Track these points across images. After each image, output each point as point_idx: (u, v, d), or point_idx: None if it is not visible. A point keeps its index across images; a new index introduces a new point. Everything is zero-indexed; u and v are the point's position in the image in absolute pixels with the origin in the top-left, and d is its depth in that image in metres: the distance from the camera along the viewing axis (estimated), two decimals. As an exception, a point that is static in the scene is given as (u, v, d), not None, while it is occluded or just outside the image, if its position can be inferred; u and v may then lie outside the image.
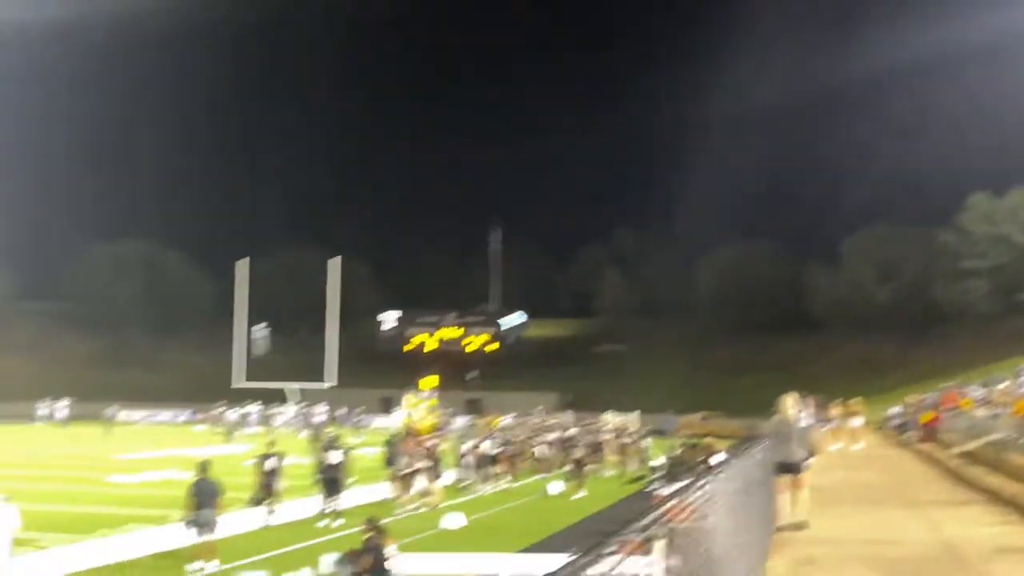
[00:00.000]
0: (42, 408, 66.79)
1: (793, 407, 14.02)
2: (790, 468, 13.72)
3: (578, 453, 30.72)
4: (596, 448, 34.59)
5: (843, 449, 31.77)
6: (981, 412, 27.12)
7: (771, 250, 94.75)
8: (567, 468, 27.37)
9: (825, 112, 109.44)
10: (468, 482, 29.17)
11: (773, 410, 14.02)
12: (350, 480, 23.16)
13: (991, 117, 74.72)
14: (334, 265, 61.24)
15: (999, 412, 24.68)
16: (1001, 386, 33.38)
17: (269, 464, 20.82)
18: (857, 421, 34.81)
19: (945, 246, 78.79)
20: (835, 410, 35.85)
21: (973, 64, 75.09)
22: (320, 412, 58.92)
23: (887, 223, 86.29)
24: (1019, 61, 70.12)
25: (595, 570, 3.46)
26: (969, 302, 77.43)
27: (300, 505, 24.62)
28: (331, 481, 22.06)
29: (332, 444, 23.20)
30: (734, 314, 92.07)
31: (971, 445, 25.45)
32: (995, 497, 17.23)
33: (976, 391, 35.64)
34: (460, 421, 57.13)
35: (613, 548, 3.73)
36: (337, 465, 22.29)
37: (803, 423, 14.35)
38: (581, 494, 28.11)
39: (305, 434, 46.29)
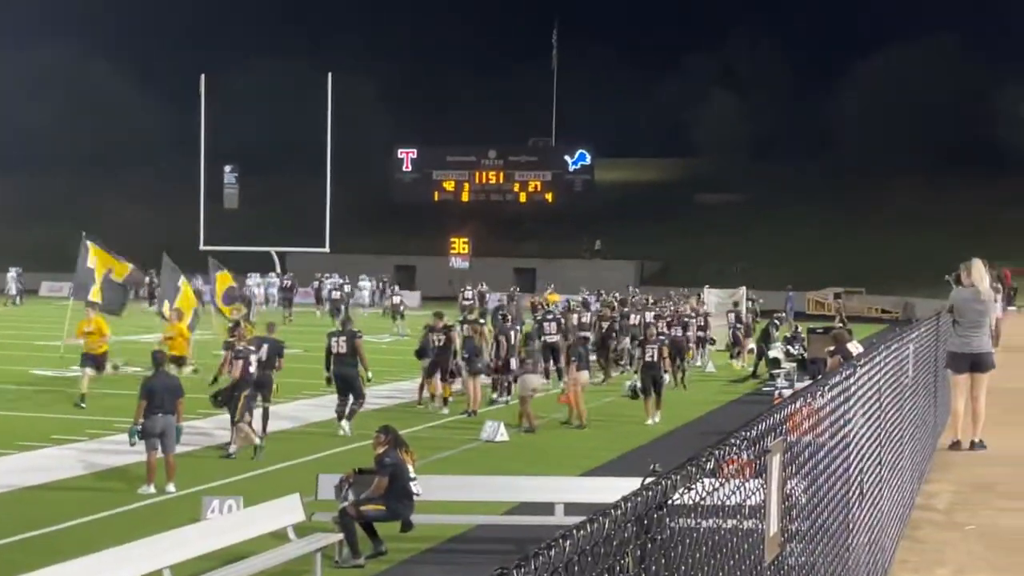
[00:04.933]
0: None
1: (985, 277, 13.83)
2: (978, 364, 13.60)
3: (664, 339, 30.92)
4: (685, 336, 34.89)
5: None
6: None
7: (946, 56, 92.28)
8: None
9: None
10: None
11: (954, 279, 13.87)
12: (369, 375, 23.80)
13: None
14: (329, 83, 61.11)
15: None
16: None
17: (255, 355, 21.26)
18: None
19: None
20: None
21: None
22: (328, 285, 59.33)
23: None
24: None
25: (683, 497, 3.45)
26: None
27: (305, 407, 25.28)
28: (343, 379, 22.84)
29: (344, 323, 24.00)
30: (889, 149, 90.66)
31: None
32: None
33: None
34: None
35: (709, 467, 3.71)
36: (344, 356, 22.81)
37: (996, 303, 14.22)
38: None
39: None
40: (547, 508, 13.88)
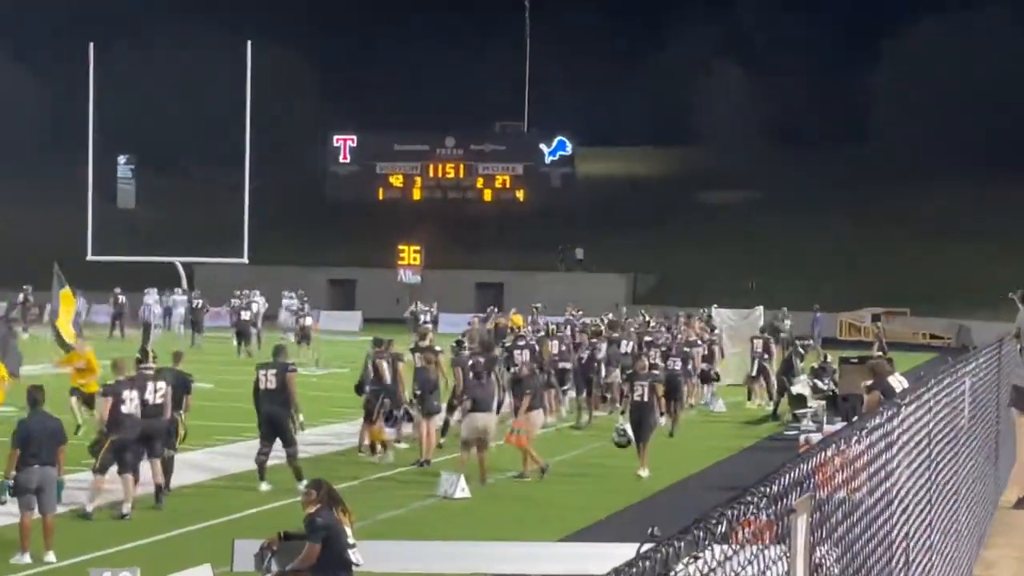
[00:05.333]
0: None
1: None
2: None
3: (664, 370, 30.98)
4: (685, 369, 34.93)
5: None
6: None
7: (1008, 25, 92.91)
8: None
9: None
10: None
11: (1020, 297, 13.96)
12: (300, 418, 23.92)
13: None
14: (249, 53, 61.00)
15: None
16: None
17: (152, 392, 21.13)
18: None
19: None
20: None
21: None
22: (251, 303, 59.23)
23: None
24: None
25: (688, 568, 3.45)
26: None
27: (217, 455, 25.17)
28: (269, 421, 22.83)
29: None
30: (937, 139, 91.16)
31: None
32: None
33: None
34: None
35: (720, 531, 3.71)
36: (273, 392, 22.84)
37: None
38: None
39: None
40: (520, 582, 13.84)
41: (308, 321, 52.41)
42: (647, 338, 37.47)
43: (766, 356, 38.44)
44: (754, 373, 38.61)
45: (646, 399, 25.03)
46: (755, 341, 40.30)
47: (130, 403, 20.03)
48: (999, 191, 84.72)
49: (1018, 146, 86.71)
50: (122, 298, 63.13)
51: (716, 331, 42.97)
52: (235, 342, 52.98)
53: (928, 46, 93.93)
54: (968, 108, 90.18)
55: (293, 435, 22.89)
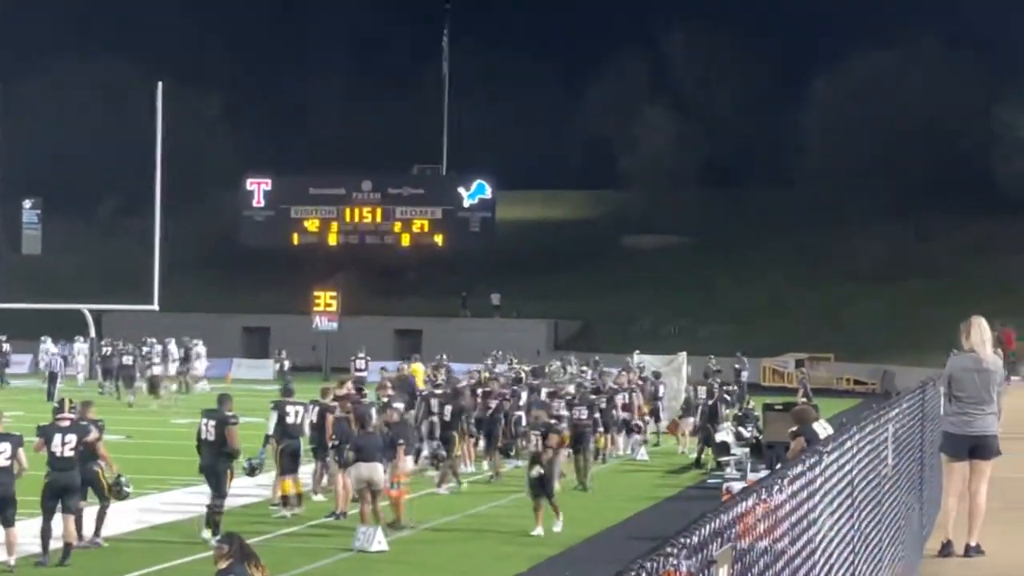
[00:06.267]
0: None
1: (988, 341, 14.05)
2: (980, 449, 13.79)
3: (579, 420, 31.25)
4: (607, 413, 35.06)
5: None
6: None
7: (936, 68, 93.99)
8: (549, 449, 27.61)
9: None
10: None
11: (956, 344, 14.06)
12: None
13: None
14: (160, 93, 60.77)
15: None
16: None
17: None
18: None
19: None
20: None
21: None
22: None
23: None
24: None
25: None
26: None
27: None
28: (207, 472, 23.13)
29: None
30: (861, 182, 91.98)
31: None
32: None
33: None
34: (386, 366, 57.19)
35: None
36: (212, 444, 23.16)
37: (1001, 372, 14.46)
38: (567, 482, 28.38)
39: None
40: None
41: (157, 370, 52.51)
42: (546, 389, 37.23)
43: (709, 402, 38.31)
44: (699, 421, 38.25)
45: (541, 449, 25.05)
46: (699, 388, 40.31)
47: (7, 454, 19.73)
48: (925, 236, 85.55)
49: (946, 191, 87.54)
50: (6, 346, 62.64)
51: (655, 379, 43.02)
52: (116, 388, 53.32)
53: (859, 87, 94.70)
54: (896, 153, 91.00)
55: (225, 487, 23.03)
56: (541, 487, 24.54)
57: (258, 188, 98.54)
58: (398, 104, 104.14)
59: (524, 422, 33.88)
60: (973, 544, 13.61)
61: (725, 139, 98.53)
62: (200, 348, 61.44)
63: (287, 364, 60.89)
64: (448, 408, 31.28)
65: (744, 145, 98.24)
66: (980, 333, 13.99)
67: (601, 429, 35.28)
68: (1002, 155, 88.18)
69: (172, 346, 58.95)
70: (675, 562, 4.06)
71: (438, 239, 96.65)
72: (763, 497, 5.67)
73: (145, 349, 57.98)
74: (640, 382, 41.98)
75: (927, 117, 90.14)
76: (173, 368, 56.62)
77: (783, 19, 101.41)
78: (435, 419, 30.92)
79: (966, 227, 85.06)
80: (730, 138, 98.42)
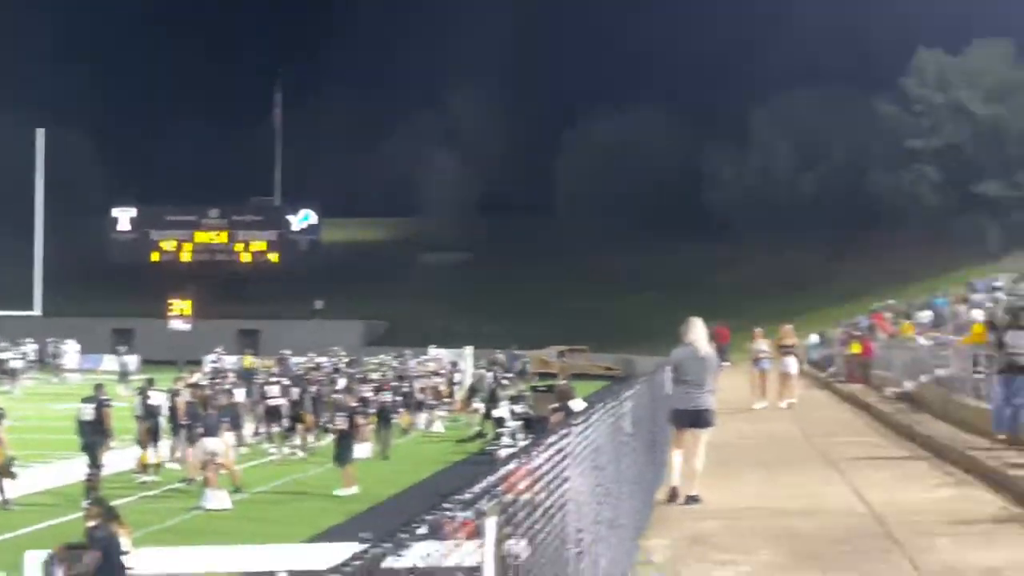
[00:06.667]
0: None
1: (704, 336, 14.41)
2: (699, 420, 14.12)
3: (386, 400, 31.45)
4: (410, 395, 35.30)
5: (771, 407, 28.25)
6: (925, 341, 28.44)
7: (658, 124, 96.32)
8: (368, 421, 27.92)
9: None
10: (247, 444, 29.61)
11: (679, 338, 14.36)
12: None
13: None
14: (41, 139, 59.08)
15: (948, 340, 25.95)
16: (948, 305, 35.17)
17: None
18: (791, 365, 29.95)
19: (885, 119, 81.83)
20: (763, 343, 29.97)
21: None
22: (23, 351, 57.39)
23: (808, 89, 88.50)
24: None
25: (399, 561, 3.43)
26: (914, 195, 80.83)
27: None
28: (86, 446, 23.45)
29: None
30: (610, 211, 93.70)
31: (911, 384, 26.82)
32: (940, 452, 18.21)
33: (922, 312, 37.44)
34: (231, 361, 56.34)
35: (425, 531, 3.71)
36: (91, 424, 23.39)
37: (715, 360, 14.79)
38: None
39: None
40: (270, 577, 13.67)
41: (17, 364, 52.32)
42: (358, 376, 37.45)
43: (492, 386, 38.31)
44: (482, 401, 38.14)
45: (347, 428, 25.12)
46: (488, 373, 40.31)
47: None
48: (656, 255, 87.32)
49: (670, 221, 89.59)
50: None
51: (452, 367, 43.31)
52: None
53: (603, 138, 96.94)
54: (637, 183, 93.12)
55: (100, 459, 23.23)
56: (342, 458, 24.63)
57: (124, 216, 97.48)
58: (243, 143, 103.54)
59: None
60: (692, 494, 13.93)
61: (499, 176, 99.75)
62: (74, 345, 59.90)
63: (131, 360, 59.34)
64: (296, 391, 31.15)
65: (514, 180, 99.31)
66: (697, 330, 14.38)
67: (402, 410, 35.40)
68: (710, 193, 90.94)
69: (52, 346, 57.47)
70: (452, 515, 4.07)
71: (273, 257, 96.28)
72: (523, 460, 5.72)
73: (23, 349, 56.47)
74: (441, 371, 42.27)
75: (648, 167, 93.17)
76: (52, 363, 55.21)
77: (544, 84, 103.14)
78: (271, 402, 30.75)
79: (684, 249, 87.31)
80: (503, 175, 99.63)
